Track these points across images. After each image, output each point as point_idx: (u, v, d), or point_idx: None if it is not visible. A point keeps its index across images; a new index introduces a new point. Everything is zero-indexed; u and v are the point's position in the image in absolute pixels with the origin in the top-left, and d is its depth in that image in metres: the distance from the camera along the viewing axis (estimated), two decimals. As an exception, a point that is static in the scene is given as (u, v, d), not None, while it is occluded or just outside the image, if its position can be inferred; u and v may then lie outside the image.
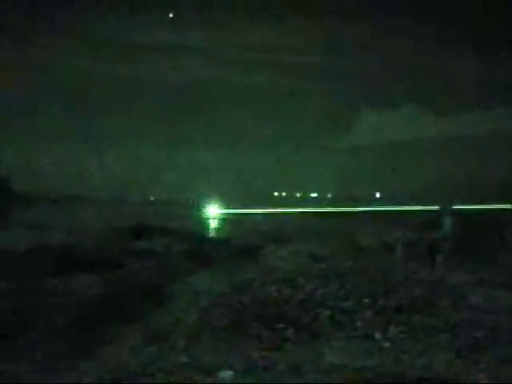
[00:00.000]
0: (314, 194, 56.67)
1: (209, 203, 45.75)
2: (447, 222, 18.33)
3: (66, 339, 11.60)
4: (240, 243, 24.37)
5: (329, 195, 56.49)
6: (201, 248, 23.72)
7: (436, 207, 20.52)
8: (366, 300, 12.63)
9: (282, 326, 11.59)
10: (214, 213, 44.95)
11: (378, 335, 11.14)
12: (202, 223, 40.72)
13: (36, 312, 13.20)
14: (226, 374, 9.07)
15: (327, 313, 12.11)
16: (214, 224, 41.11)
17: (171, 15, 46.38)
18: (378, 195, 52.84)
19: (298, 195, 56.61)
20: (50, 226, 30.59)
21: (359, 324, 11.68)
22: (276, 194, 55.97)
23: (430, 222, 19.74)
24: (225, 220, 43.03)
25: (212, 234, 35.17)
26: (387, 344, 10.72)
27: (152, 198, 53.32)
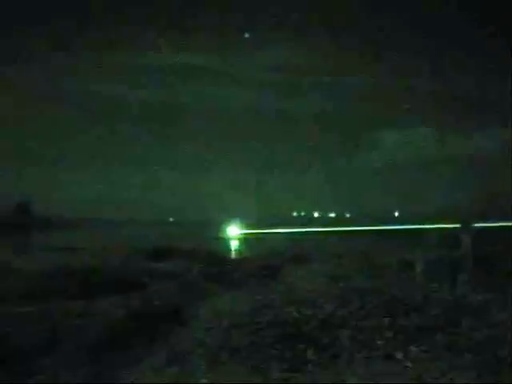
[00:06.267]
0: (332, 214, 56.70)
1: (228, 224, 45.83)
2: (468, 239, 18.13)
3: (87, 360, 11.59)
4: (259, 264, 24.37)
5: (347, 215, 56.51)
6: (220, 269, 23.75)
7: (456, 225, 20.31)
8: (387, 319, 12.53)
9: (302, 346, 11.48)
10: (233, 233, 44.98)
11: (399, 355, 10.98)
12: (222, 244, 40.81)
13: (59, 334, 13.22)
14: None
15: (348, 333, 12.00)
16: (233, 245, 41.20)
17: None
18: (396, 214, 52.80)
19: (317, 215, 56.64)
20: (71, 249, 30.78)
21: (380, 344, 11.54)
22: (295, 214, 56.03)
23: (451, 240, 19.57)
24: (244, 240, 43.08)
25: (231, 254, 35.21)
26: (409, 364, 10.57)
27: (171, 220, 53.61)
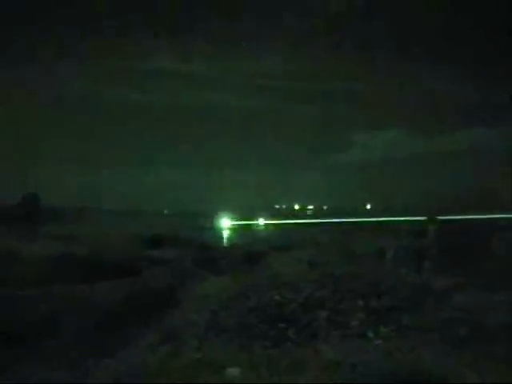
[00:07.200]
0: (311, 207, 56.59)
1: (217, 216, 45.73)
2: (433, 230, 18.26)
3: (89, 340, 11.59)
4: (245, 251, 24.29)
5: (324, 207, 56.42)
6: (210, 256, 23.66)
7: (422, 217, 20.45)
8: (360, 302, 12.60)
9: (283, 325, 11.55)
10: (222, 224, 44.89)
11: (370, 334, 11.09)
12: (211, 233, 40.64)
13: (62, 315, 13.21)
14: (233, 370, 9.03)
15: (324, 314, 12.07)
16: (221, 234, 41.03)
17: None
18: (368, 207, 52.77)
19: (297, 207, 56.53)
20: (75, 237, 30.57)
21: (354, 324, 11.63)
22: (277, 206, 55.86)
23: (418, 230, 19.69)
24: (231, 230, 42.94)
25: (220, 243, 35.06)
26: (379, 342, 10.67)
27: (165, 211, 53.28)
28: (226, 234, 40.88)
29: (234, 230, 42.80)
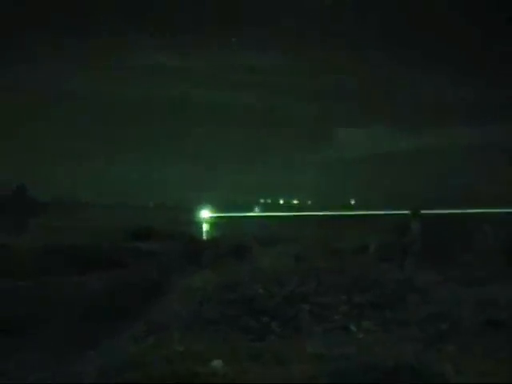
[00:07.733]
0: (295, 201, 56.70)
1: (202, 209, 45.76)
2: (416, 225, 18.23)
3: (76, 330, 11.56)
4: (230, 245, 24.26)
5: (308, 202, 56.52)
6: (195, 249, 23.63)
7: (405, 212, 20.41)
8: (343, 296, 12.58)
9: (267, 319, 11.50)
10: (206, 218, 44.90)
11: (353, 327, 11.06)
12: (197, 227, 40.61)
13: (50, 306, 13.18)
14: (217, 363, 8.95)
15: (308, 307, 12.04)
16: (206, 228, 41.02)
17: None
18: (352, 202, 52.92)
19: (281, 202, 56.58)
20: (62, 230, 30.49)
21: (336, 317, 11.61)
22: (262, 201, 55.89)
23: (401, 225, 19.67)
24: (217, 224, 42.94)
25: (205, 236, 35.04)
26: (362, 335, 10.64)
27: (151, 204, 53.21)
28: (210, 227, 40.89)
29: (219, 223, 42.83)
